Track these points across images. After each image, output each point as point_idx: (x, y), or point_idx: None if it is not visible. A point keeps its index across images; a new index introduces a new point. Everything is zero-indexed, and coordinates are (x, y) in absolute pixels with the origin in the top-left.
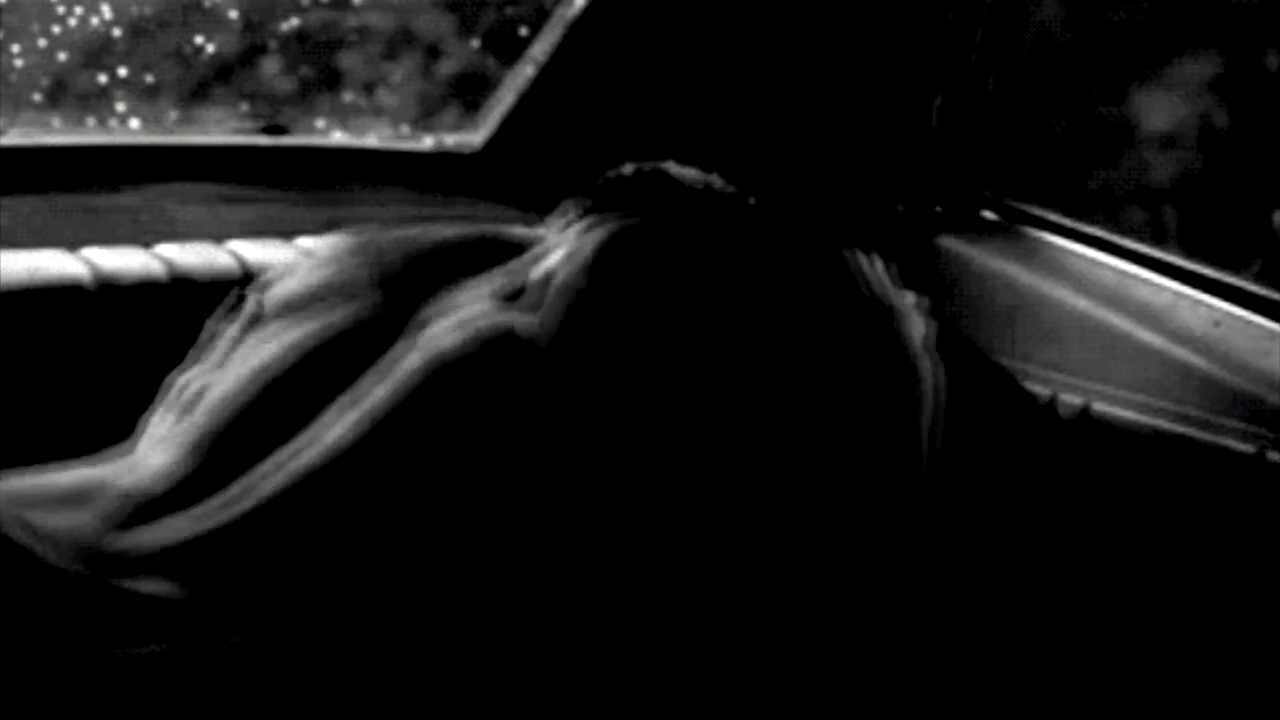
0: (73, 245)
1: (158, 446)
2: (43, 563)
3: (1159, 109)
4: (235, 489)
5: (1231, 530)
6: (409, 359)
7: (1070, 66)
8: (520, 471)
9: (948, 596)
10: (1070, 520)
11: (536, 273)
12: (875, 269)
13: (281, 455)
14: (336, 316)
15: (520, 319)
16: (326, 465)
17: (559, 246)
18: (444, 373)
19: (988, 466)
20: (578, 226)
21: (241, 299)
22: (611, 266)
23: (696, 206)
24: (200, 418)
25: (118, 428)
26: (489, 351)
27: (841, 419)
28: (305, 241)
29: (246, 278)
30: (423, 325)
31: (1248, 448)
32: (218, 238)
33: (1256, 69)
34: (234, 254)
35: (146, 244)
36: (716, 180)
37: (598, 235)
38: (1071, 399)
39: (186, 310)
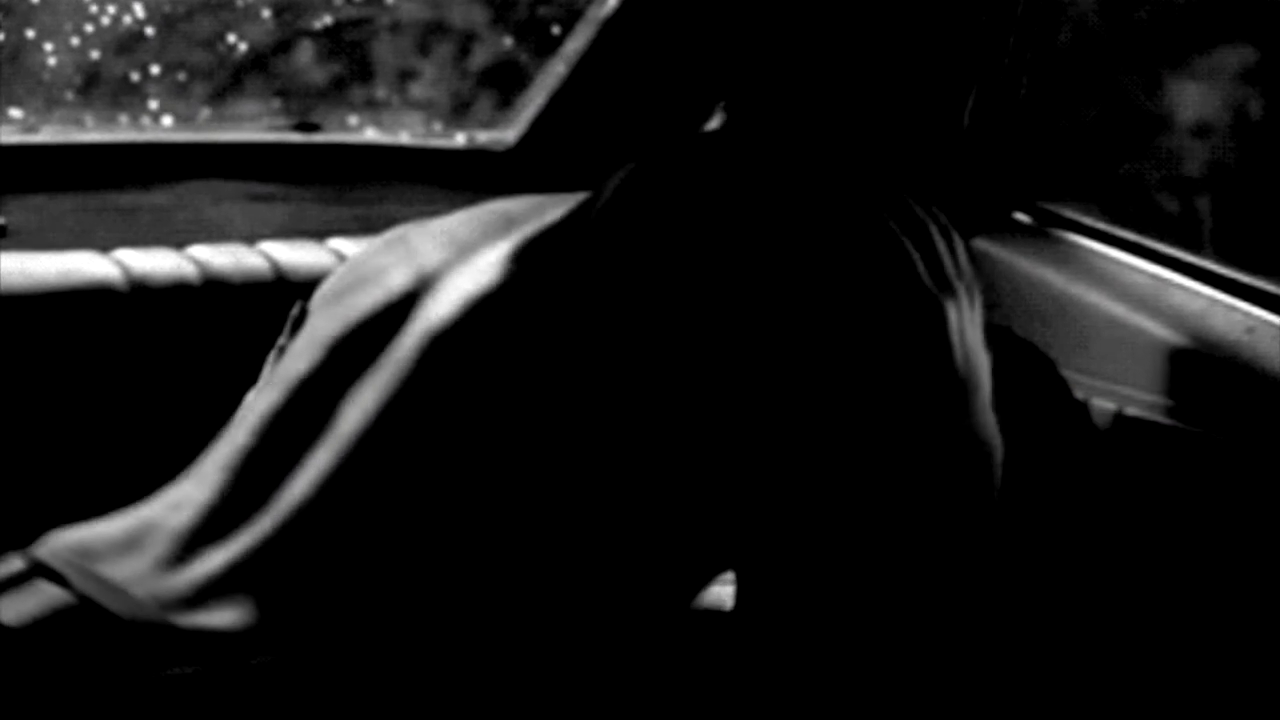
0: (105, 246)
1: (199, 478)
2: (113, 615)
3: (1192, 100)
4: (269, 505)
5: (1265, 534)
6: (404, 343)
7: (1103, 59)
8: (536, 431)
9: (994, 593)
10: (1103, 522)
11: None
12: (942, 247)
13: (305, 460)
14: (359, 307)
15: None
16: (341, 466)
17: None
18: (436, 349)
19: (1039, 466)
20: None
21: (301, 313)
22: (635, 207)
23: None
24: (239, 437)
25: (151, 430)
26: (478, 318)
27: (853, 402)
28: (338, 243)
29: (279, 279)
30: (423, 305)
31: None
32: (250, 237)
33: None
34: (266, 255)
35: (179, 245)
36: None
37: (620, 178)
38: (1104, 403)
39: (219, 313)
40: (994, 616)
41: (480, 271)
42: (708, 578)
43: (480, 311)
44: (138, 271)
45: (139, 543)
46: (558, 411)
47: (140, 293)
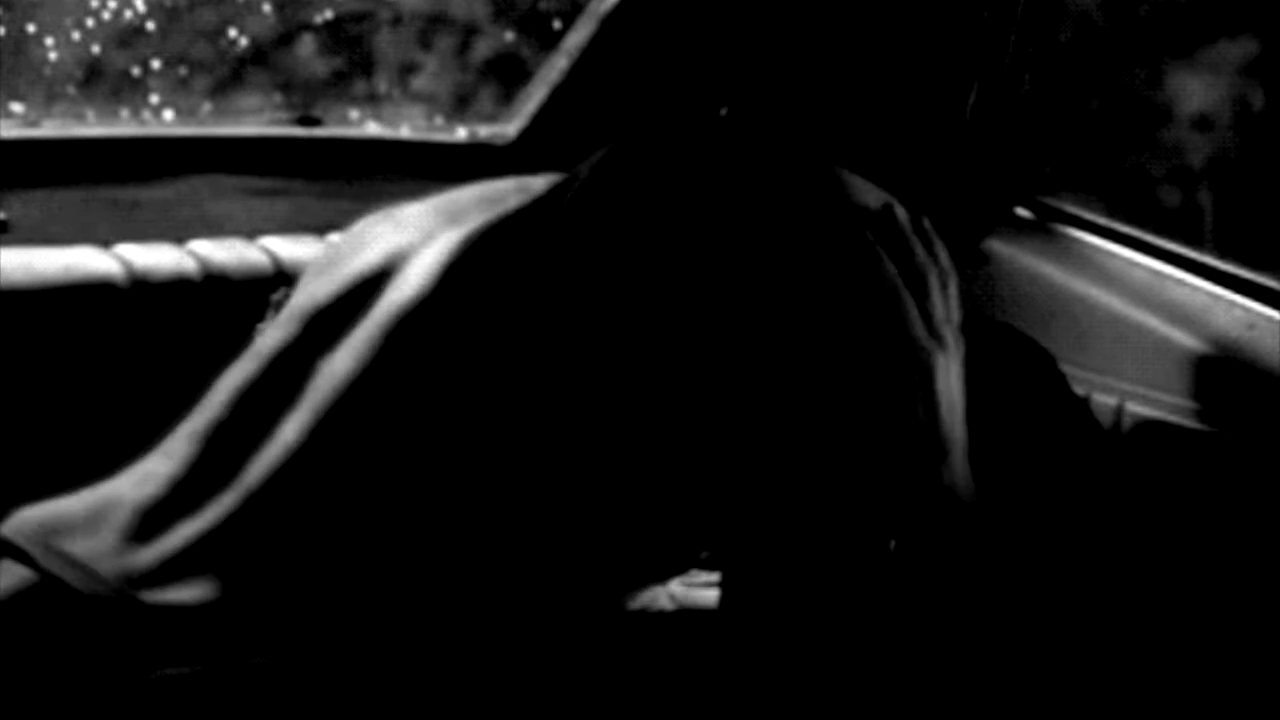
0: (106, 241)
1: (167, 451)
2: (77, 592)
3: (1193, 94)
4: (238, 477)
5: (1265, 531)
6: (378, 312)
7: (1104, 51)
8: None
9: (969, 589)
10: (1101, 519)
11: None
12: (936, 290)
13: (276, 430)
14: (337, 278)
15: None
16: (311, 437)
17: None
18: (408, 318)
19: (1039, 462)
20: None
21: (284, 297)
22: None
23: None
24: (210, 409)
25: (152, 427)
26: (450, 289)
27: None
28: (337, 238)
29: (279, 275)
30: (398, 275)
31: None
32: (250, 232)
33: None
34: (267, 250)
35: (179, 240)
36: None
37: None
38: (1105, 399)
39: (219, 308)
40: (990, 614)
41: (454, 242)
42: (675, 567)
43: (452, 282)
44: (139, 267)
45: (104, 517)
46: (528, 383)
47: (141, 288)
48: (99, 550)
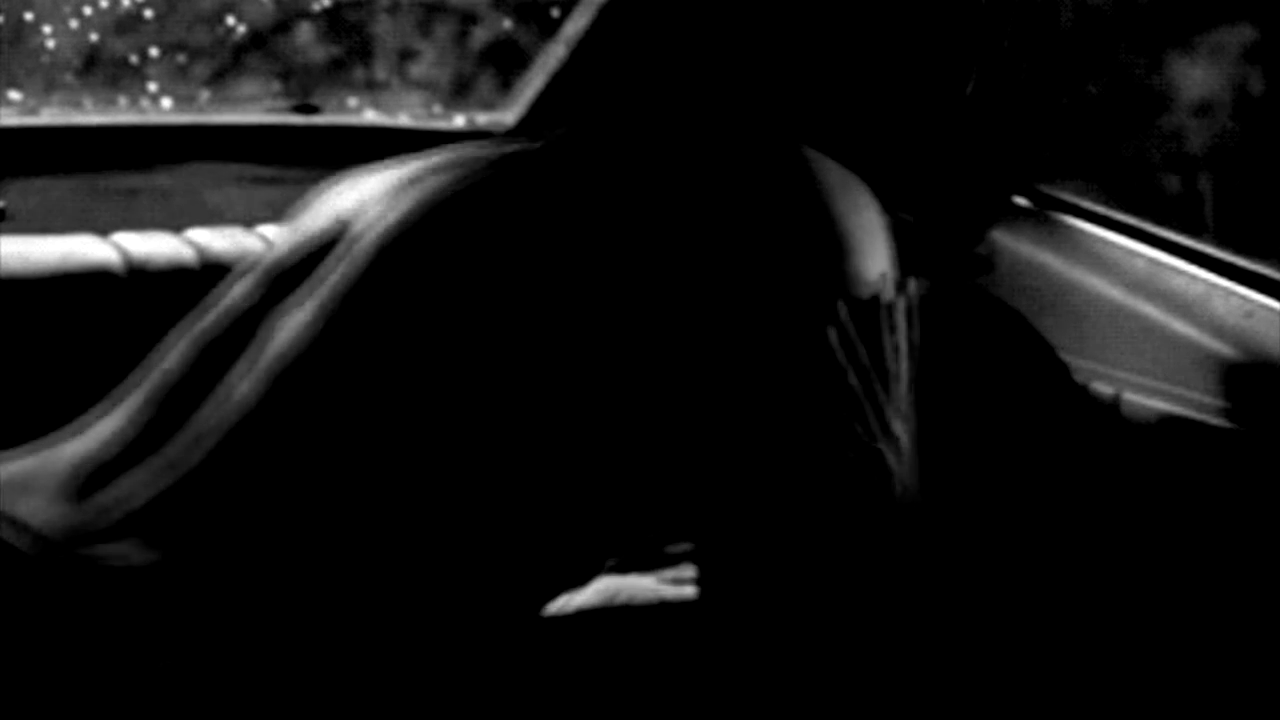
0: (104, 230)
1: (119, 404)
2: (12, 548)
3: (1193, 80)
4: (190, 429)
5: (1262, 520)
6: (334, 269)
7: (1103, 37)
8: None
9: (955, 576)
10: (1098, 507)
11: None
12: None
13: (229, 384)
14: (299, 234)
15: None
16: (263, 393)
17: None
18: (358, 292)
19: (1017, 447)
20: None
21: None
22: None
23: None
24: (165, 362)
25: None
26: (405, 249)
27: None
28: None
29: None
30: (340, 242)
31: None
32: (248, 220)
33: None
34: (264, 239)
35: (177, 228)
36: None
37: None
38: (1103, 388)
39: None
40: (981, 607)
41: (411, 207)
42: (644, 554)
43: (407, 246)
44: (136, 255)
45: (48, 475)
46: (484, 341)
47: (139, 276)
48: (42, 508)
